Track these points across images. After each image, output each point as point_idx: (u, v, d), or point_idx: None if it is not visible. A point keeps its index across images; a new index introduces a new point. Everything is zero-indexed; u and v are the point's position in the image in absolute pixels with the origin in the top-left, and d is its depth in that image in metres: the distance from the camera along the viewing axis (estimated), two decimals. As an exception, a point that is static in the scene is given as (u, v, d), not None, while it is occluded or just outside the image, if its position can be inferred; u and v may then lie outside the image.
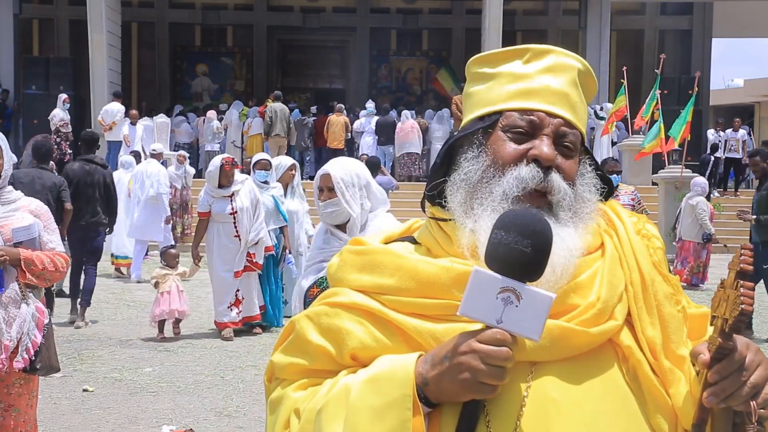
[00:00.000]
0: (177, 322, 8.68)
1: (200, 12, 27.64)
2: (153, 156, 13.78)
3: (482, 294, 1.19)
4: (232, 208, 8.48)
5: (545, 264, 1.21)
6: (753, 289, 1.16)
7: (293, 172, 9.83)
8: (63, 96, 18.84)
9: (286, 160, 10.11)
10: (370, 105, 21.24)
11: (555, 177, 1.36)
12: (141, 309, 10.38)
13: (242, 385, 6.69)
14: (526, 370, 1.28)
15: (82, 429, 5.60)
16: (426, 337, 1.30)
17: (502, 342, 1.18)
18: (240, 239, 8.49)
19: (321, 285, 3.48)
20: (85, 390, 6.47)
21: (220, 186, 8.53)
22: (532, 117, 1.39)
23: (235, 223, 8.47)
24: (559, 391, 1.27)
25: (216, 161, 8.72)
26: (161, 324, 8.50)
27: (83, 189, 9.25)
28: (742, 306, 1.15)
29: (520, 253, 1.19)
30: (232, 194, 8.53)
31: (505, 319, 1.19)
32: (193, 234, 11.06)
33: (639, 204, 9.19)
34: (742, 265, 1.18)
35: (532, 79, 1.43)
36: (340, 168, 3.75)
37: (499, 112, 1.42)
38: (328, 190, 3.67)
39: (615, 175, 9.42)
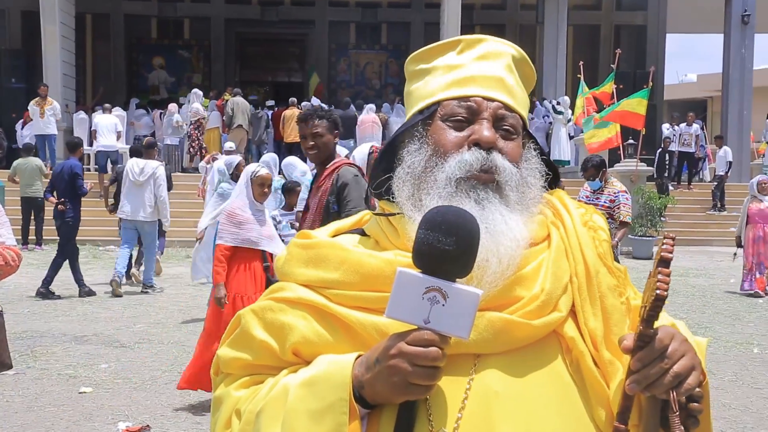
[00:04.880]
0: None
1: (156, 4, 27.29)
2: (227, 153, 14.01)
3: (408, 295, 1.18)
4: None
5: (472, 261, 1.20)
6: (669, 275, 1.18)
7: None
8: (200, 92, 20.44)
9: None
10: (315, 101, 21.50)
11: (498, 157, 1.37)
12: (97, 305, 10.26)
13: (200, 381, 6.63)
14: (469, 363, 1.28)
15: (36, 427, 5.51)
16: (370, 330, 1.30)
17: (430, 342, 1.18)
18: None
19: None
20: (82, 392, 6.32)
21: None
22: (469, 103, 1.41)
23: None
24: (501, 384, 1.27)
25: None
26: None
27: None
28: (657, 291, 1.17)
29: (444, 251, 1.17)
30: None
31: (433, 319, 1.18)
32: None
33: (617, 209, 8.77)
34: (662, 254, 1.20)
35: (467, 67, 1.45)
36: None
37: (437, 103, 1.43)
38: None
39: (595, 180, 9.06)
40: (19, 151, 16.79)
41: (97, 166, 19.14)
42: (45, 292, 10.59)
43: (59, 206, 10.87)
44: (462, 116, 1.40)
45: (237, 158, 9.73)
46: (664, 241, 1.21)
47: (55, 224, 11.26)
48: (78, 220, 11.15)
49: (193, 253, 10.55)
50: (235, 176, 9.07)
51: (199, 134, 19.67)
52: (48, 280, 10.65)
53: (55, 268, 10.75)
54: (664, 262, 1.19)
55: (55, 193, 11.09)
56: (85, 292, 10.81)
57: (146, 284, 11.38)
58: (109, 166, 18.68)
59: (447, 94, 1.43)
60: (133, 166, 11.22)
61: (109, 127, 19.17)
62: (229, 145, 15.29)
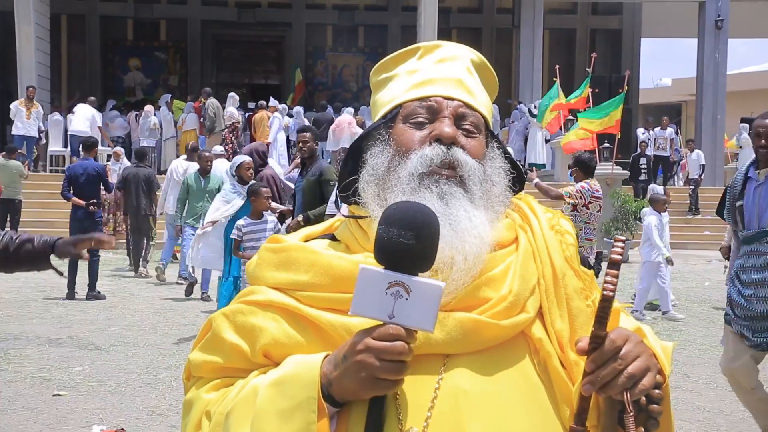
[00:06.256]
0: None
1: (132, 5, 27.14)
2: (218, 156, 14.00)
3: (371, 291, 1.20)
4: None
5: (434, 255, 1.22)
6: (617, 277, 1.21)
7: None
8: (236, 96, 20.27)
9: None
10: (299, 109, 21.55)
11: (459, 151, 1.39)
12: (71, 307, 10.18)
13: (175, 384, 6.60)
14: (438, 363, 1.30)
15: (9, 430, 5.46)
16: (340, 331, 1.31)
17: (395, 337, 1.19)
18: None
19: None
20: (56, 395, 6.27)
21: None
22: (429, 103, 1.44)
23: None
24: (470, 384, 1.29)
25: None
26: None
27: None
28: (604, 292, 1.20)
29: (404, 245, 1.19)
30: None
31: (397, 314, 1.20)
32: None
33: (582, 198, 8.69)
34: (611, 255, 1.23)
35: (426, 70, 1.48)
36: None
37: (399, 106, 1.46)
38: None
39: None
40: None
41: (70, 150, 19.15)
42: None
43: (90, 207, 10.91)
44: (423, 116, 1.43)
45: (243, 158, 9.64)
46: (614, 244, 1.24)
47: (76, 225, 10.85)
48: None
49: (193, 241, 10.49)
50: (239, 177, 9.04)
51: (233, 138, 19.50)
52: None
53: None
54: (613, 264, 1.22)
55: (72, 192, 11.15)
56: (70, 295, 10.77)
57: (181, 275, 12.02)
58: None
59: (407, 96, 1.46)
60: (177, 167, 13.08)
61: (86, 114, 19.05)
62: (217, 148, 15.28)
